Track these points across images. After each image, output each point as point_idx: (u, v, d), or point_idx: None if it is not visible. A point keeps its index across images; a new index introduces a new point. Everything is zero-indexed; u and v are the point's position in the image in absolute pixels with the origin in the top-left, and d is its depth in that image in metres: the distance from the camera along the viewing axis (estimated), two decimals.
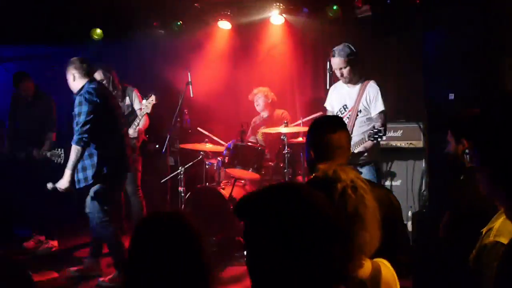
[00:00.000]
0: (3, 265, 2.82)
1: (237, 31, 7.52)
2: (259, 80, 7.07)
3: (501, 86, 5.30)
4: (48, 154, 5.87)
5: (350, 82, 4.93)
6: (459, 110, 3.81)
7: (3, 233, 6.43)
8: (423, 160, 6.08)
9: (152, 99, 5.84)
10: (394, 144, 6.23)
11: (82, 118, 4.70)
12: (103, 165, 4.84)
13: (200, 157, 6.41)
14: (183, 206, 5.96)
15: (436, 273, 3.60)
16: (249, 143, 6.06)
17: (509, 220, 1.80)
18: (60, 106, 6.58)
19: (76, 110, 4.75)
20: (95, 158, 4.83)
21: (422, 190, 6.05)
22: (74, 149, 4.71)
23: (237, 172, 5.93)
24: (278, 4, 6.96)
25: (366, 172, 4.64)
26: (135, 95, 6.22)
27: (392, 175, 6.26)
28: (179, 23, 7.65)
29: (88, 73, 4.99)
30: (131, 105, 6.17)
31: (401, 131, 6.22)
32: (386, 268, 1.91)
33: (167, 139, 6.25)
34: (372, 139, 4.20)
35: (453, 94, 5.21)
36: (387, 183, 6.20)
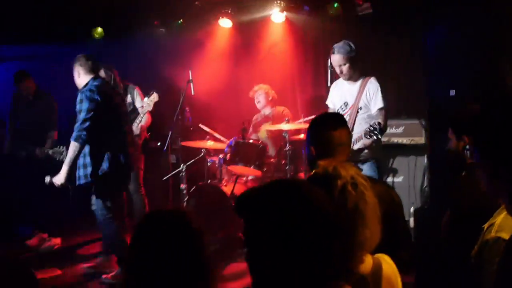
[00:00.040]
0: (6, 263, 2.84)
1: (238, 29, 7.52)
2: (260, 78, 7.06)
3: (502, 83, 5.30)
4: (50, 151, 5.88)
5: (350, 79, 4.93)
6: (460, 107, 3.81)
7: (6, 232, 6.44)
8: (425, 156, 6.08)
9: (154, 96, 5.85)
10: (396, 141, 6.23)
11: (82, 116, 4.72)
12: (105, 162, 4.85)
13: (202, 154, 6.41)
14: (185, 203, 5.96)
15: (438, 269, 3.61)
16: (251, 141, 6.05)
17: (510, 215, 1.81)
18: (61, 105, 6.59)
19: (77, 107, 4.77)
20: (96, 156, 4.86)
21: (424, 187, 6.05)
22: (72, 146, 4.74)
23: (239, 169, 5.94)
24: (279, 2, 6.95)
25: (367, 169, 4.64)
26: (137, 93, 6.24)
27: (394, 172, 6.26)
28: (179, 21, 7.64)
29: (93, 70, 5.00)
30: (133, 103, 6.17)
31: (403, 127, 6.21)
32: (387, 264, 1.92)
33: (169, 137, 6.26)
34: (368, 137, 4.18)
35: (454, 91, 5.21)
36: (389, 179, 6.20)
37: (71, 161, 4.78)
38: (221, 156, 6.17)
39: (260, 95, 6.73)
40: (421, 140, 6.09)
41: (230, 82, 7.42)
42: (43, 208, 6.20)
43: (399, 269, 1.96)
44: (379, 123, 4.06)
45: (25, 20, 7.10)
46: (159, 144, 6.96)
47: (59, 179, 4.80)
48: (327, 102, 5.26)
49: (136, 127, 5.91)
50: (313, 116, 5.85)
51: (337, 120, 2.83)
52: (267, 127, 6.59)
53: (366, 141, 4.47)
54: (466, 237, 2.39)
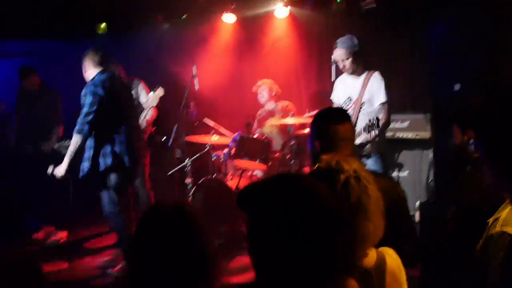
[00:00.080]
0: (14, 256, 2.86)
1: (241, 24, 7.51)
2: (264, 73, 7.06)
3: (507, 77, 5.27)
4: (56, 145, 5.91)
5: (354, 73, 4.92)
6: (465, 101, 3.81)
7: (13, 225, 6.48)
8: (430, 151, 6.07)
9: (159, 91, 5.84)
10: (401, 136, 6.21)
11: (85, 109, 4.75)
12: (108, 157, 4.87)
13: (207, 149, 6.42)
14: (190, 198, 5.98)
15: (444, 262, 3.61)
16: (255, 135, 6.06)
17: None
18: (65, 100, 6.61)
19: (81, 101, 4.81)
20: (99, 150, 4.89)
21: (429, 181, 6.04)
22: (74, 139, 4.79)
23: (244, 163, 5.95)
24: None
25: (371, 163, 4.64)
26: (142, 88, 6.24)
27: (399, 166, 6.25)
28: (183, 16, 7.64)
29: (101, 63, 5.01)
30: (138, 98, 6.18)
31: (408, 122, 6.19)
32: (391, 258, 1.92)
33: (174, 132, 6.26)
34: (367, 132, 4.16)
35: (459, 85, 5.19)
36: (394, 174, 6.20)
37: (72, 153, 4.82)
38: (226, 150, 6.18)
39: (264, 90, 6.72)
40: (426, 134, 6.07)
41: (234, 77, 7.42)
42: (50, 202, 6.22)
43: (403, 262, 1.97)
44: (377, 118, 4.05)
45: (29, 16, 7.10)
46: (164, 138, 6.97)
47: (60, 171, 4.85)
48: (331, 97, 5.25)
49: (141, 122, 5.92)
50: (317, 111, 5.88)
51: (341, 115, 2.82)
52: (271, 121, 6.59)
53: (367, 136, 4.47)
54: (471, 232, 2.38)
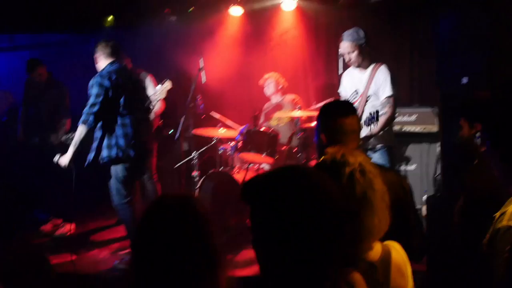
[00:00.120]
0: (22, 248, 2.87)
1: (249, 17, 7.49)
2: (271, 66, 7.05)
3: None
4: (63, 138, 5.93)
5: (360, 67, 4.89)
6: (472, 94, 3.78)
7: (21, 217, 6.52)
8: (438, 144, 6.04)
9: (167, 84, 5.83)
10: (409, 129, 6.19)
11: (90, 100, 4.78)
12: (112, 149, 4.89)
13: (214, 142, 6.42)
14: (197, 191, 5.98)
15: (450, 257, 3.60)
16: (262, 128, 6.04)
17: None
18: (73, 93, 6.62)
19: (88, 91, 4.84)
20: (104, 141, 4.91)
21: (436, 175, 6.02)
22: (79, 129, 4.82)
23: (250, 156, 5.94)
24: None
25: (378, 157, 4.62)
26: (149, 80, 6.25)
27: (407, 160, 6.23)
28: (190, 9, 7.62)
29: (111, 55, 5.03)
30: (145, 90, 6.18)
31: (416, 115, 6.17)
32: (397, 252, 1.91)
33: (181, 125, 6.26)
34: (367, 125, 4.14)
35: (466, 78, 5.15)
36: (402, 167, 6.18)
37: (77, 143, 4.85)
38: (232, 143, 6.17)
39: (270, 83, 6.71)
40: (434, 128, 6.05)
41: (241, 69, 7.39)
42: (58, 194, 6.25)
43: (409, 257, 1.95)
44: (376, 112, 4.03)
45: (36, 9, 7.12)
46: (171, 131, 6.98)
47: (64, 160, 4.90)
48: (339, 90, 5.24)
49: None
50: (324, 102, 5.86)
51: (347, 108, 2.81)
52: (278, 114, 6.58)
53: (367, 129, 4.46)
54: (478, 226, 2.37)
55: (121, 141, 4.89)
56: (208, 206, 5.86)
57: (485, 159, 2.29)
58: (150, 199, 6.02)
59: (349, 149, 1.91)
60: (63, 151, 4.99)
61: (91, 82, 4.84)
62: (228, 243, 5.51)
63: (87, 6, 7.19)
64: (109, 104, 4.81)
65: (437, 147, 6.03)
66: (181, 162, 6.49)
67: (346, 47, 4.81)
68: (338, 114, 2.70)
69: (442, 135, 5.86)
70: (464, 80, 5.15)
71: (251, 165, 6.06)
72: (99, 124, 4.93)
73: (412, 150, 6.22)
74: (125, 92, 4.91)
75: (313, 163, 5.93)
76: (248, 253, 5.12)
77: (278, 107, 6.75)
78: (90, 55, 5.22)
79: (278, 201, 1.45)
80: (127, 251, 5.29)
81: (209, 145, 6.47)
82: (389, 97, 4.72)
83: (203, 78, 6.31)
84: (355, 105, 4.54)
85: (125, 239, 5.68)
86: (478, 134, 2.70)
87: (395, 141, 4.96)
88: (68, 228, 6.23)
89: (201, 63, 6.29)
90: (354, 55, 4.80)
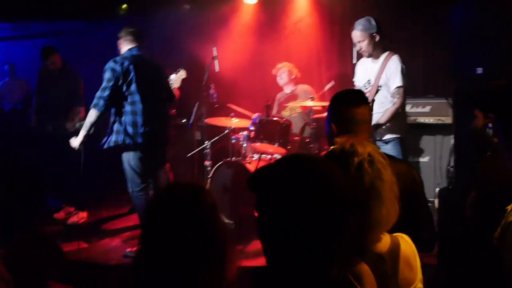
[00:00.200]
0: (35, 235, 2.89)
1: (263, 5, 7.45)
2: (285, 55, 7.01)
3: None
4: (77, 125, 5.96)
5: (371, 56, 4.85)
6: (486, 84, 3.72)
7: (34, 205, 6.57)
8: (452, 136, 5.98)
9: (182, 73, 5.82)
10: (422, 120, 6.13)
11: (102, 84, 4.82)
12: (120, 134, 4.91)
13: (226, 131, 6.41)
14: (209, 180, 5.98)
15: (461, 250, 3.57)
16: (275, 118, 6.01)
17: None
18: (88, 81, 6.63)
19: (103, 76, 4.87)
20: (115, 126, 4.95)
21: (449, 166, 5.97)
22: (90, 112, 4.88)
23: (263, 146, 5.93)
24: None
25: (390, 148, 4.58)
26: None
27: (420, 152, 6.18)
28: None
29: (133, 41, 5.04)
30: None
31: (430, 107, 6.11)
32: (406, 244, 1.89)
33: (194, 114, 6.25)
34: None
35: (481, 69, 5.08)
36: (415, 159, 6.13)
37: (88, 127, 4.91)
38: (245, 133, 6.15)
39: (283, 73, 6.68)
40: (448, 119, 5.98)
41: (255, 58, 7.36)
42: (70, 182, 6.29)
43: (419, 248, 1.93)
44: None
45: None
46: (184, 121, 6.98)
47: (75, 142, 5.01)
48: (354, 80, 5.20)
49: None
50: (328, 86, 5.82)
51: (358, 97, 2.77)
52: (292, 104, 6.55)
53: (381, 118, 4.41)
54: (490, 219, 2.34)
55: (130, 129, 4.90)
56: (219, 196, 5.88)
57: (498, 150, 2.25)
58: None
59: (359, 139, 1.89)
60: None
61: (105, 67, 4.87)
62: (239, 233, 5.51)
63: None
64: (119, 90, 4.83)
65: (451, 139, 5.97)
66: (194, 151, 6.50)
67: (357, 36, 4.79)
68: (350, 104, 2.67)
69: (456, 126, 5.80)
70: (479, 70, 5.09)
71: (263, 155, 6.03)
72: (113, 109, 4.96)
73: (425, 141, 6.17)
74: (137, 79, 4.89)
75: (324, 153, 5.90)
76: (259, 244, 5.08)
77: (292, 97, 6.71)
78: (105, 43, 5.24)
79: (285, 190, 1.43)
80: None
81: (221, 135, 6.46)
82: (399, 87, 4.68)
83: (217, 67, 6.30)
84: (367, 95, 4.50)
85: (137, 228, 5.70)
86: (490, 125, 2.65)
87: (407, 132, 4.91)
88: (80, 216, 6.27)
89: (215, 52, 6.28)
90: (364, 44, 4.77)
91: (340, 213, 1.43)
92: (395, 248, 1.83)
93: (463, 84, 5.29)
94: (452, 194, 4.25)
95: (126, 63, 4.86)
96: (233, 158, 6.17)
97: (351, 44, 5.26)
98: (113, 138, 4.94)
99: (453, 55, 5.78)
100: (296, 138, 6.18)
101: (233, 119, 6.25)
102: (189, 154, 6.51)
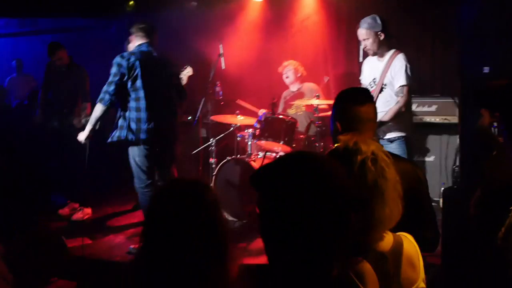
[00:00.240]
0: (40, 231, 2.90)
1: (269, 2, 7.44)
2: (291, 53, 7.00)
3: None
4: (83, 121, 5.98)
5: (377, 54, 4.85)
6: (488, 83, 3.69)
7: (39, 201, 6.59)
8: (458, 136, 5.95)
9: (188, 70, 5.81)
10: (429, 120, 6.11)
11: (109, 79, 4.84)
12: (123, 130, 4.91)
13: (232, 129, 6.41)
14: (213, 177, 5.98)
15: (465, 250, 3.55)
16: (280, 116, 6.00)
17: None
18: (93, 77, 6.64)
19: (110, 70, 4.89)
20: (120, 121, 4.97)
21: (454, 166, 5.94)
22: (96, 107, 4.91)
23: (268, 144, 5.92)
24: None
25: (395, 147, 4.57)
26: None
27: (426, 151, 6.16)
28: None
29: (143, 37, 5.04)
30: None
31: (436, 106, 6.08)
32: (409, 243, 1.88)
33: (199, 111, 6.25)
34: None
35: (488, 68, 5.06)
36: (421, 158, 6.11)
37: (93, 121, 4.95)
38: (250, 130, 6.14)
39: (289, 71, 6.66)
40: (454, 119, 5.94)
41: (261, 56, 7.35)
42: (76, 178, 6.30)
43: (422, 248, 1.92)
44: (404, 100, 3.97)
45: None
46: (189, 118, 6.98)
47: (81, 137, 5.05)
48: (360, 78, 5.19)
49: None
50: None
51: (363, 95, 2.75)
52: (298, 103, 6.54)
53: (384, 117, 4.39)
54: (494, 218, 2.32)
55: (133, 124, 4.90)
56: (224, 194, 5.88)
57: (503, 150, 2.23)
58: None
59: (362, 137, 1.88)
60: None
61: (112, 61, 4.89)
62: (243, 231, 5.52)
63: None
64: (124, 85, 4.84)
65: (457, 139, 5.93)
66: (199, 149, 6.50)
67: (362, 34, 4.80)
68: (354, 102, 2.65)
69: (461, 125, 5.77)
70: (486, 69, 5.06)
71: (269, 153, 6.03)
72: (118, 105, 4.98)
73: (431, 141, 6.15)
74: (143, 75, 4.88)
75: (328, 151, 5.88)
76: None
77: (299, 95, 6.69)
78: (111, 39, 5.24)
79: (285, 188, 1.42)
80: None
81: (227, 132, 6.45)
82: (402, 86, 4.67)
83: (223, 64, 6.29)
84: (373, 93, 4.49)
85: (141, 225, 5.69)
86: (495, 124, 2.63)
87: (413, 131, 4.89)
88: (85, 212, 6.28)
89: (221, 49, 6.27)
90: (369, 42, 4.77)
91: (341, 211, 1.43)
92: (398, 247, 1.82)
93: (470, 83, 5.26)
94: (456, 194, 4.23)
95: (132, 59, 4.85)
96: (238, 156, 6.16)
97: (357, 42, 5.25)
98: (116, 133, 4.95)
99: (459, 54, 5.73)
100: (301, 136, 6.17)
101: (239, 116, 6.25)
102: (194, 152, 6.51)
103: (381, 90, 4.76)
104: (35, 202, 6.35)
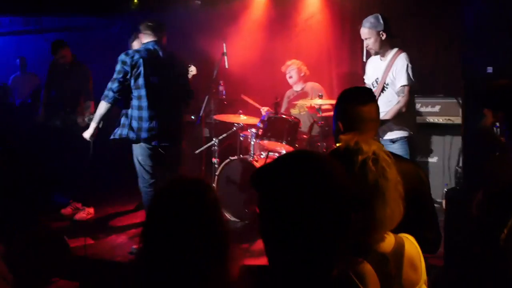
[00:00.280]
0: (42, 230, 2.89)
1: (273, 1, 7.44)
2: (295, 52, 6.99)
3: None
4: (86, 119, 5.97)
5: (379, 54, 4.84)
6: (489, 83, 3.68)
7: (42, 200, 6.59)
8: (461, 136, 5.93)
9: (192, 70, 5.80)
10: (432, 120, 6.09)
11: (113, 76, 4.84)
12: (124, 128, 4.92)
13: (234, 129, 6.40)
14: (216, 177, 5.98)
15: (468, 251, 3.53)
16: (283, 115, 5.99)
17: None
18: (97, 76, 6.64)
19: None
20: (122, 119, 4.97)
21: (458, 167, 5.92)
22: (100, 104, 4.91)
23: (270, 144, 5.91)
24: None
25: (398, 147, 4.54)
26: None
27: (429, 152, 6.14)
28: None
29: (150, 35, 5.02)
30: None
31: (439, 106, 6.06)
32: (410, 244, 1.86)
33: (202, 110, 6.24)
34: None
35: (491, 68, 5.03)
36: (424, 159, 6.09)
37: (98, 118, 4.97)
38: (253, 130, 6.13)
39: (293, 70, 6.64)
40: (457, 119, 5.92)
41: (265, 55, 7.33)
42: (79, 178, 6.30)
43: (423, 249, 1.90)
44: (405, 100, 3.96)
45: None
46: (192, 117, 6.97)
47: (86, 134, 5.06)
48: (364, 77, 5.18)
49: None
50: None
51: (366, 95, 2.74)
52: (301, 102, 6.53)
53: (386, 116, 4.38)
54: (496, 220, 2.31)
55: (134, 123, 4.89)
56: (226, 194, 5.87)
57: (506, 150, 2.22)
58: None
59: (364, 137, 1.86)
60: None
61: (118, 58, 4.89)
62: (244, 232, 5.51)
63: None
64: (127, 83, 4.84)
65: (460, 139, 5.92)
66: (202, 148, 6.49)
67: (364, 33, 4.80)
68: (356, 101, 2.64)
69: (464, 126, 5.75)
70: (489, 69, 5.03)
71: (271, 153, 6.01)
72: (121, 103, 4.97)
73: (434, 141, 6.13)
74: (146, 74, 4.85)
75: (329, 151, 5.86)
76: None
77: (302, 95, 6.68)
78: (115, 38, 5.23)
79: (284, 187, 1.42)
80: None
81: (230, 132, 6.45)
82: (403, 86, 4.66)
83: (226, 63, 6.28)
84: (375, 93, 4.48)
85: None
86: (497, 124, 2.62)
87: (416, 132, 4.87)
88: (87, 212, 6.28)
89: (224, 48, 6.26)
90: (371, 42, 4.77)
91: (341, 211, 1.42)
92: (399, 248, 1.81)
93: (473, 83, 5.24)
94: (459, 195, 4.22)
95: (136, 56, 4.84)
96: (241, 156, 6.15)
97: (361, 41, 5.23)
98: (118, 131, 4.96)
99: (463, 54, 5.72)
100: (304, 136, 6.15)
101: (242, 116, 6.24)
102: (197, 151, 6.50)
103: (383, 90, 4.75)
104: (35, 201, 6.35)
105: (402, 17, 6.13)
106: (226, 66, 6.30)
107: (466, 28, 5.48)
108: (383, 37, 4.74)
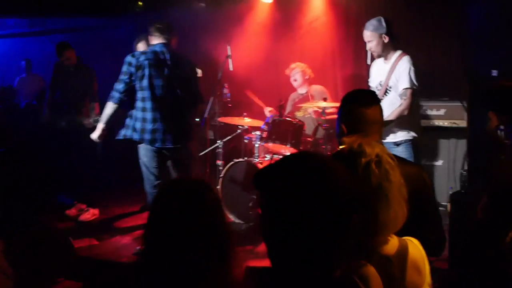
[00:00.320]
0: (46, 231, 2.90)
1: (278, 4, 7.43)
2: (300, 54, 6.98)
3: None
4: (92, 120, 5.99)
5: (382, 57, 4.84)
6: (491, 84, 3.67)
7: (47, 201, 6.61)
8: (466, 139, 5.91)
9: (197, 72, 5.80)
10: (437, 123, 6.07)
11: (119, 77, 4.85)
12: (128, 129, 4.93)
13: (239, 131, 6.39)
14: (220, 179, 5.98)
15: (473, 254, 3.52)
16: (288, 118, 5.98)
17: None
18: (102, 77, 6.65)
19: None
20: (127, 119, 4.97)
21: (463, 170, 5.90)
22: (107, 104, 4.93)
23: (275, 147, 5.90)
24: None
25: (402, 150, 4.53)
26: None
27: (434, 155, 6.12)
28: None
29: (159, 37, 5.01)
30: None
31: (445, 109, 6.04)
32: (414, 247, 1.86)
33: (207, 112, 6.24)
34: None
35: (496, 71, 5.02)
36: (429, 162, 6.07)
37: (104, 119, 4.97)
38: (258, 133, 6.13)
39: (297, 73, 6.62)
40: (463, 122, 5.90)
41: (269, 57, 7.34)
42: (83, 179, 6.32)
43: (427, 252, 1.90)
44: (407, 103, 3.94)
45: None
46: (197, 119, 6.97)
47: (93, 135, 5.08)
48: (369, 80, 5.17)
49: None
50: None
51: (369, 97, 2.73)
52: (306, 105, 6.52)
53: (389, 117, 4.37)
54: (501, 223, 2.30)
55: (138, 124, 4.90)
56: (231, 196, 5.87)
57: (511, 153, 2.21)
58: None
59: (367, 139, 1.86)
60: (88, 134, 5.07)
61: (124, 59, 4.91)
62: (249, 233, 5.50)
63: None
64: (132, 84, 4.85)
65: (465, 143, 5.90)
66: (206, 150, 6.49)
67: (367, 36, 4.80)
68: (360, 104, 2.64)
69: (469, 129, 5.74)
70: (494, 72, 5.02)
71: (276, 155, 6.01)
72: (127, 104, 4.98)
73: (440, 145, 6.10)
74: (150, 76, 4.85)
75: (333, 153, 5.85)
76: None
77: (307, 98, 6.66)
78: (120, 39, 5.24)
79: (286, 187, 1.41)
80: None
81: (234, 134, 6.44)
82: (406, 89, 4.64)
83: (230, 66, 6.28)
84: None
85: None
86: (501, 127, 2.61)
87: (420, 135, 4.86)
88: (92, 213, 6.29)
89: (229, 50, 6.26)
90: (373, 45, 4.77)
91: (341, 211, 1.41)
92: (403, 251, 1.81)
93: (478, 86, 5.23)
94: (464, 198, 4.20)
95: (142, 58, 4.85)
96: (245, 158, 6.14)
97: (365, 44, 5.24)
98: (123, 131, 4.97)
99: (468, 58, 5.72)
100: (309, 139, 6.14)
101: (246, 118, 6.24)
102: (202, 153, 6.50)
103: (386, 93, 4.74)
104: (36, 201, 6.37)
105: (407, 20, 6.12)
106: (231, 69, 6.31)
107: (471, 32, 5.48)
108: (386, 40, 4.73)
